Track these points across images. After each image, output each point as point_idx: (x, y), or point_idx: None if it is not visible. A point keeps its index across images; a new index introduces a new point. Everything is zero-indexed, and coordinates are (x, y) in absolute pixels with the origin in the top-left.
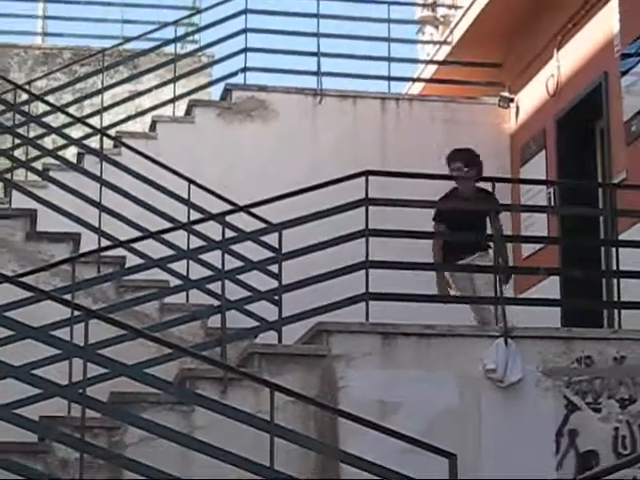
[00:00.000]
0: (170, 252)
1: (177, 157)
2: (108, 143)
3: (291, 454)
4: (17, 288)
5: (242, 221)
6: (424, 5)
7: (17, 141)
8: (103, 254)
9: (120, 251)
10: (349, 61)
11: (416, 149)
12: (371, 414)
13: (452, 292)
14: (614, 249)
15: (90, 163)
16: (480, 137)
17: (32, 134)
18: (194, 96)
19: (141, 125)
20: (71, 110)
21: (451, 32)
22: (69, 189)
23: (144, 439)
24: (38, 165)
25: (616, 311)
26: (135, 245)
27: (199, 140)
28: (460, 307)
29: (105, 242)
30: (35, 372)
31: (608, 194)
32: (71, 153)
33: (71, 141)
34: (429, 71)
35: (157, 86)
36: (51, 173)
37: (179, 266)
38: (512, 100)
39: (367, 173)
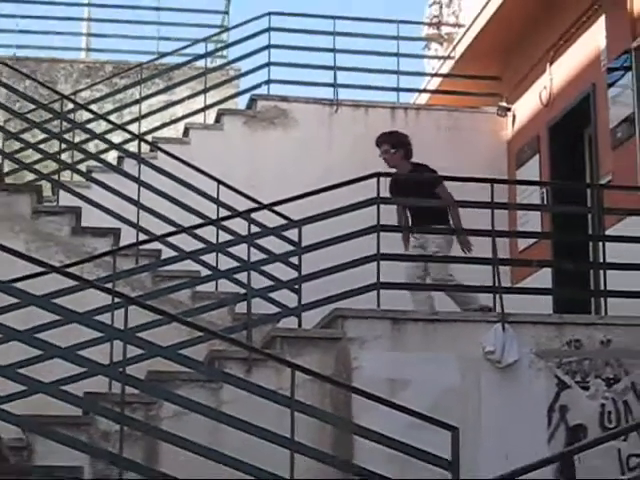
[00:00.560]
0: (201, 245)
1: (207, 160)
2: (145, 148)
3: (309, 427)
4: (64, 278)
5: (266, 217)
6: (430, 24)
7: (64, 146)
8: (141, 247)
9: (156, 244)
10: (362, 74)
11: (422, 153)
12: (381, 391)
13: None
14: (601, 243)
15: (129, 165)
16: (480, 143)
17: (77, 139)
18: (223, 105)
19: (175, 131)
20: (112, 118)
21: (454, 48)
22: (110, 189)
23: (177, 413)
24: (82, 167)
25: (602, 299)
26: (169, 239)
27: (227, 145)
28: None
29: (142, 236)
30: (79, 353)
31: (595, 194)
32: (112, 156)
33: (112, 146)
34: (434, 83)
35: (189, 96)
36: (94, 174)
37: (209, 258)
38: (509, 109)
39: (378, 175)
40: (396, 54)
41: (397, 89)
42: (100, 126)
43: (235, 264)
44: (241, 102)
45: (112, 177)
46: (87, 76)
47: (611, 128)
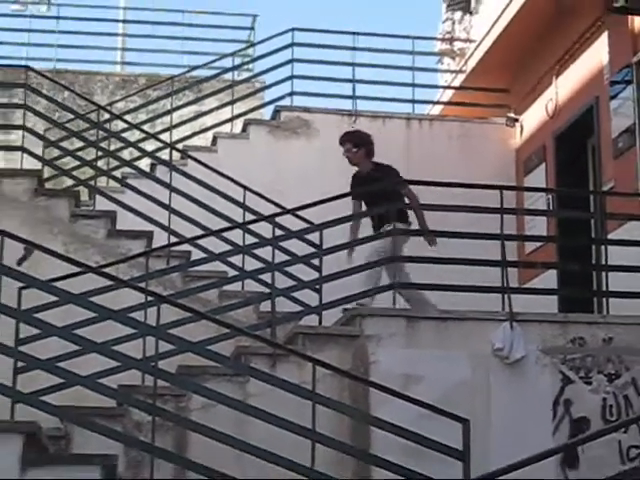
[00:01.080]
0: (228, 247)
1: (234, 167)
2: (176, 155)
3: (329, 419)
4: (100, 277)
5: (289, 221)
6: (443, 39)
7: (100, 153)
8: (172, 249)
9: (186, 247)
10: (380, 86)
11: (436, 161)
12: (396, 386)
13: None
14: (603, 247)
15: (161, 172)
16: (490, 152)
17: (112, 147)
18: (249, 116)
19: (204, 140)
20: (145, 127)
21: (466, 62)
22: (143, 194)
23: (206, 405)
24: (117, 174)
25: (605, 299)
26: (199, 241)
27: (252, 153)
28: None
29: (173, 239)
30: (114, 348)
31: (598, 200)
32: (145, 164)
33: (145, 154)
34: (447, 95)
35: (217, 107)
36: (128, 180)
37: (236, 259)
38: (517, 120)
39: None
40: (411, 68)
41: (412, 101)
42: (134, 135)
43: (260, 265)
44: (266, 113)
45: (145, 183)
46: (122, 88)
47: (613, 138)
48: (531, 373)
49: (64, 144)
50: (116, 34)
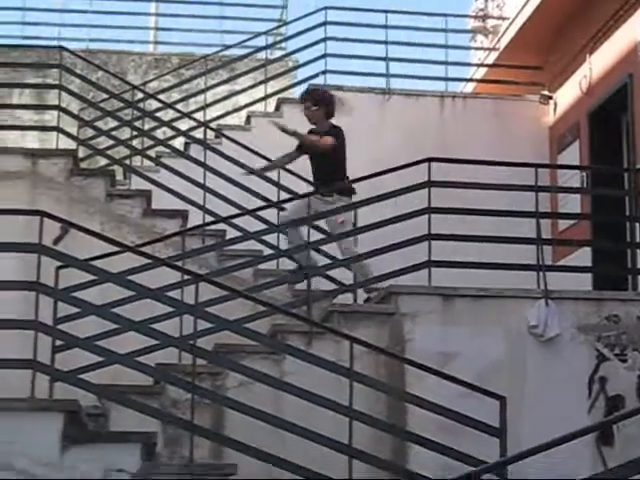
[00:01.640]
0: (263, 226)
1: (268, 146)
2: (210, 134)
3: (365, 397)
4: (135, 257)
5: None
6: (476, 17)
7: (134, 133)
8: (207, 228)
9: (221, 225)
10: (413, 64)
11: (469, 139)
12: (432, 363)
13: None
14: (637, 224)
15: (195, 151)
16: (523, 129)
17: (146, 127)
18: (282, 95)
19: (238, 119)
20: (179, 107)
21: (499, 40)
22: (178, 173)
23: (243, 383)
24: (152, 153)
25: (639, 276)
26: (234, 220)
27: None
28: (508, 273)
29: (208, 218)
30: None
31: (632, 177)
32: (179, 143)
33: (179, 133)
34: (480, 73)
35: (251, 86)
36: (163, 160)
37: (270, 238)
38: (551, 97)
39: (429, 160)
40: (444, 46)
41: (445, 79)
42: (168, 114)
43: None
44: (299, 91)
45: (179, 162)
46: (155, 67)
47: None
48: (566, 351)
49: (98, 124)
50: (149, 13)
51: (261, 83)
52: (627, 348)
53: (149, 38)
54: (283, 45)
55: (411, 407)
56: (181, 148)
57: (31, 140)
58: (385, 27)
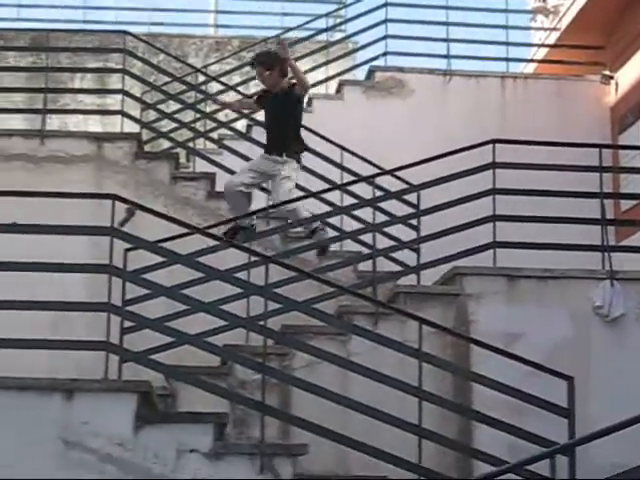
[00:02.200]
0: (327, 209)
1: (330, 128)
2: None
3: (432, 377)
4: (200, 239)
5: (385, 181)
6: None
7: (197, 115)
8: (271, 210)
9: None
10: (473, 45)
11: (531, 119)
12: (497, 343)
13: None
14: None
15: (257, 133)
16: (584, 110)
17: (209, 109)
18: (343, 77)
19: None
20: (240, 89)
21: (560, 20)
22: (241, 155)
23: (310, 363)
24: (214, 135)
25: None
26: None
27: (347, 114)
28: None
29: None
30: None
31: None
32: (241, 125)
33: (241, 115)
34: (541, 53)
35: (312, 69)
36: (225, 142)
37: (335, 220)
38: (612, 77)
39: (494, 141)
40: (505, 26)
41: (506, 59)
42: (229, 97)
43: (360, 226)
44: (359, 73)
45: (242, 144)
46: (216, 50)
47: None
48: (631, 330)
49: (161, 107)
50: None
51: (322, 65)
52: None
53: (210, 21)
54: (343, 27)
55: (476, 387)
56: (243, 130)
57: (92, 124)
58: (446, 8)
